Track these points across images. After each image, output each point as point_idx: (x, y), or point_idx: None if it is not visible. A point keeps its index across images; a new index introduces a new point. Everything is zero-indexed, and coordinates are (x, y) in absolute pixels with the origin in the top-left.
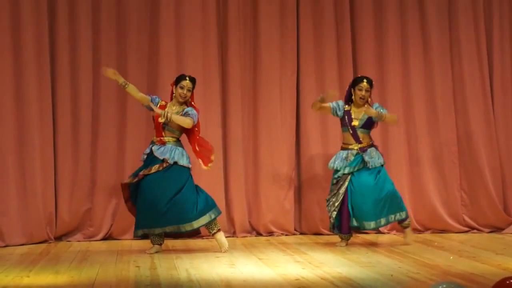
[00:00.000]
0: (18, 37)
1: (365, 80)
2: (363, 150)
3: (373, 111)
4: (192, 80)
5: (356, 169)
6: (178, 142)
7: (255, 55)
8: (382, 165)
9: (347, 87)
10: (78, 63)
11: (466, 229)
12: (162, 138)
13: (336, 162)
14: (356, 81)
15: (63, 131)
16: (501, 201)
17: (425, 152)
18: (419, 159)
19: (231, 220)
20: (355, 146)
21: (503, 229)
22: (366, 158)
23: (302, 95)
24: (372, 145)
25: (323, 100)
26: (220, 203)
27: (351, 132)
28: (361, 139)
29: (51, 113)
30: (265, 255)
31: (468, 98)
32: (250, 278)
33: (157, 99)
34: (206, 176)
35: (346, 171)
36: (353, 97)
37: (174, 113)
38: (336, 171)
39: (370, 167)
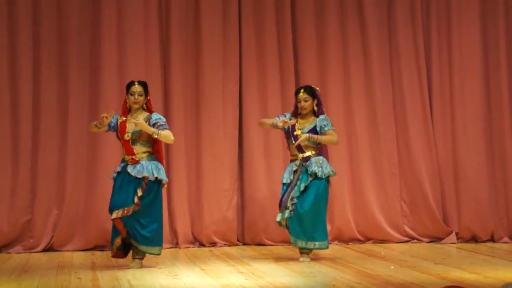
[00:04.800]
0: None
1: (301, 90)
2: (305, 160)
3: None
4: (142, 84)
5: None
6: (151, 155)
7: (197, 67)
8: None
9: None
10: (18, 74)
11: (407, 239)
12: (134, 157)
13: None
14: (295, 93)
15: (2, 142)
16: (440, 211)
17: (366, 163)
18: (360, 170)
19: (173, 231)
20: (299, 157)
21: (442, 239)
22: (312, 168)
23: (244, 106)
24: (318, 155)
25: (275, 127)
26: (163, 214)
27: (293, 142)
28: (304, 149)
29: None
30: (208, 266)
31: (408, 110)
32: None
33: (114, 117)
34: None
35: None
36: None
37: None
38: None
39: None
